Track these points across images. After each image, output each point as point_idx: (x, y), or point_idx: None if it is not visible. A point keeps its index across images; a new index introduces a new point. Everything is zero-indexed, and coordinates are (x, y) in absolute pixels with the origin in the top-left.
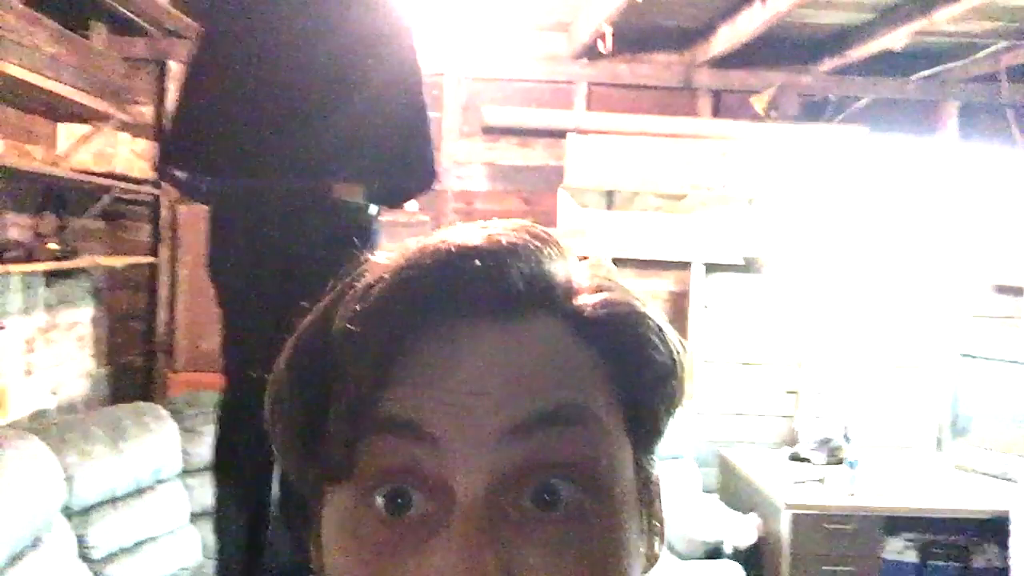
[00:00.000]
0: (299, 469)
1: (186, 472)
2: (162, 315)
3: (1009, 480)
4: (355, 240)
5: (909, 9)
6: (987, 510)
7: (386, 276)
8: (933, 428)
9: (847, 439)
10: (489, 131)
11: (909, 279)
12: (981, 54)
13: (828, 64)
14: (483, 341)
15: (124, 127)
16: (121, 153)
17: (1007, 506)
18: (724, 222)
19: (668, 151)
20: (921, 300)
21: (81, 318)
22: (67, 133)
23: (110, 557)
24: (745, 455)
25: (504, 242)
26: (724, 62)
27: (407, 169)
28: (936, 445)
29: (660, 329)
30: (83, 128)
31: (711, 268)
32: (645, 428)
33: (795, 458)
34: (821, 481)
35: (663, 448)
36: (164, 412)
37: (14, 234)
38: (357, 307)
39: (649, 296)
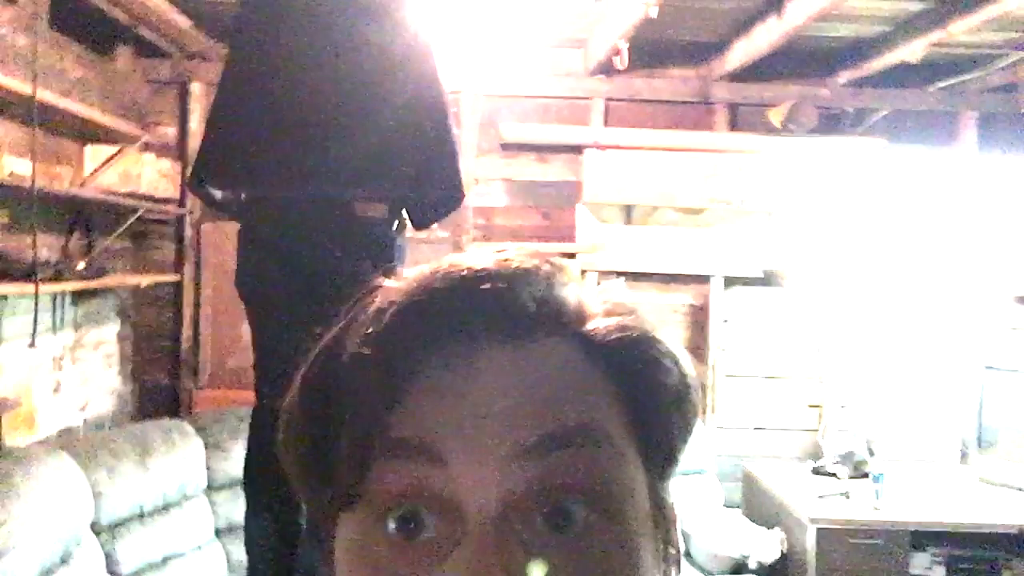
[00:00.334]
0: (311, 494)
1: (211, 488)
2: (187, 332)
3: None
4: (381, 257)
5: (925, 21)
6: (1015, 524)
7: (397, 300)
8: (957, 441)
9: (871, 452)
10: (507, 147)
11: (930, 291)
12: (999, 64)
13: (845, 76)
14: (494, 363)
15: (148, 148)
16: (146, 173)
17: None
18: (743, 236)
19: (686, 165)
20: (944, 312)
21: (107, 336)
22: (93, 154)
23: (137, 573)
24: (769, 469)
25: (515, 266)
26: (741, 76)
27: (434, 187)
28: (961, 458)
29: (672, 354)
30: (109, 149)
31: (730, 282)
32: (659, 453)
33: (819, 472)
34: (846, 495)
35: (685, 463)
36: (190, 428)
37: (44, 255)
38: (369, 331)
39: (669, 310)
